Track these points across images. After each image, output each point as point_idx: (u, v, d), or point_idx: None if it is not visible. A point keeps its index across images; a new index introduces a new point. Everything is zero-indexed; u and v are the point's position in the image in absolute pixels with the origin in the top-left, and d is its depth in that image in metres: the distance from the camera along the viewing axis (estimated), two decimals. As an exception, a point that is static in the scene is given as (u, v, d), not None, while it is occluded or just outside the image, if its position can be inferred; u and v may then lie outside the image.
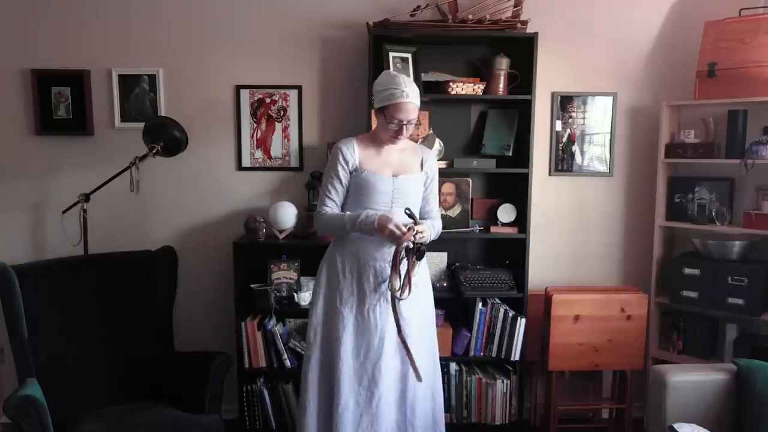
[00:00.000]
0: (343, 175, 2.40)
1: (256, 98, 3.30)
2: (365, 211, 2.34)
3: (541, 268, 3.40)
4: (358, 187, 2.40)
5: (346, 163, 2.39)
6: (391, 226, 2.25)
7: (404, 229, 2.25)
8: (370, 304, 2.38)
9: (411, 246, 2.30)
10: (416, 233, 2.27)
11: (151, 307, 3.02)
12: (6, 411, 2.27)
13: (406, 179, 2.42)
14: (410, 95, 2.31)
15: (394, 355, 2.39)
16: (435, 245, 3.29)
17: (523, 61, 3.11)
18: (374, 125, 2.56)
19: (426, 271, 2.57)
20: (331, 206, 2.42)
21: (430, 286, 2.60)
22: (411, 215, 2.32)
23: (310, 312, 2.49)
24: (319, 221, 2.45)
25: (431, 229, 2.43)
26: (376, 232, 2.29)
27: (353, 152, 2.40)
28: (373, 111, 2.42)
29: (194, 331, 3.33)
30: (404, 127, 2.34)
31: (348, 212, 2.38)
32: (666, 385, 2.35)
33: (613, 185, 3.42)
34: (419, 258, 2.33)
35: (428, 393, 2.49)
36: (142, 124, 3.08)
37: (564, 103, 3.34)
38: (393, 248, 2.33)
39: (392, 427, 2.40)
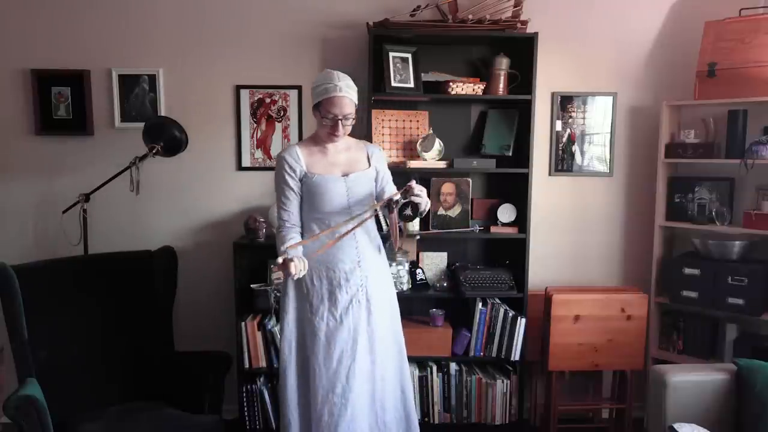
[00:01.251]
0: (293, 183, 2.37)
1: (256, 98, 3.30)
2: (283, 245, 2.32)
3: (541, 268, 3.40)
4: (311, 193, 2.38)
5: (293, 171, 2.37)
6: (279, 261, 2.21)
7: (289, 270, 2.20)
8: (343, 307, 2.37)
9: (402, 200, 2.28)
10: (410, 191, 2.24)
11: (151, 307, 3.02)
12: (6, 411, 2.26)
13: (356, 177, 2.40)
14: (343, 89, 2.29)
15: (366, 357, 2.38)
16: (435, 245, 3.32)
17: (523, 61, 3.11)
18: (316, 125, 2.48)
19: (386, 264, 2.55)
20: (288, 218, 2.39)
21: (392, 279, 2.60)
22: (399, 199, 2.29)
23: (282, 326, 2.46)
24: (276, 237, 2.43)
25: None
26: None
27: (297, 158, 2.38)
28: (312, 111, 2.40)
29: (194, 331, 3.33)
30: (339, 122, 2.31)
31: (286, 241, 2.33)
32: (666, 385, 2.35)
33: (613, 185, 3.42)
34: (410, 214, 2.32)
35: (397, 386, 2.49)
36: (142, 124, 3.08)
37: (564, 103, 3.34)
38: (358, 250, 2.37)
39: (365, 428, 2.38)
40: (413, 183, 2.26)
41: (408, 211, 2.32)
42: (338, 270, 2.37)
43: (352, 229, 2.31)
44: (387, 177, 2.53)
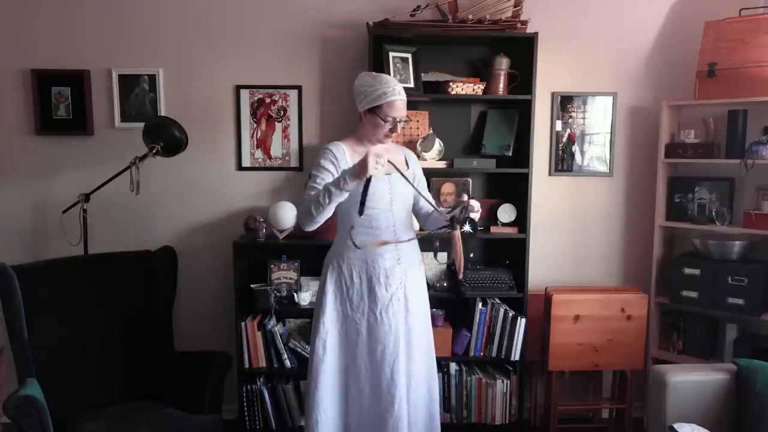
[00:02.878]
0: (333, 170, 2.33)
1: (256, 98, 3.30)
2: (343, 172, 2.18)
3: (541, 268, 3.40)
4: (354, 191, 2.36)
5: (336, 160, 2.35)
6: (371, 157, 2.06)
7: (379, 160, 2.06)
8: (383, 305, 2.36)
9: (461, 217, 2.18)
10: (468, 206, 2.18)
11: (151, 307, 3.02)
12: (6, 411, 2.26)
13: (398, 176, 2.39)
14: (401, 92, 2.32)
15: (404, 355, 2.38)
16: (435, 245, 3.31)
17: (523, 61, 3.11)
18: (360, 126, 2.45)
19: (422, 263, 2.55)
20: None
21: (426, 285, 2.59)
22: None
23: (316, 325, 2.41)
24: (300, 208, 2.30)
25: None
26: (359, 173, 2.11)
27: (343, 153, 2.37)
28: (362, 113, 2.37)
29: (194, 331, 3.33)
30: (398, 124, 2.34)
31: (322, 188, 2.21)
32: (666, 385, 2.35)
33: (613, 185, 3.42)
34: (470, 231, 2.20)
35: (426, 389, 2.49)
36: (142, 124, 3.08)
37: (564, 103, 3.34)
38: (398, 247, 2.36)
39: (405, 425, 2.38)
40: (470, 199, 2.22)
41: (467, 228, 2.21)
42: (378, 267, 2.36)
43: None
44: (423, 183, 2.57)
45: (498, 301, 3.20)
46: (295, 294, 3.19)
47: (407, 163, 2.51)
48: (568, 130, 3.36)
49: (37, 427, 2.30)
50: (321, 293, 2.43)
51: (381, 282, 2.36)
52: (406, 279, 2.40)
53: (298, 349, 3.13)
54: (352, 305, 2.38)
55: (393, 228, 2.38)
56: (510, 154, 3.21)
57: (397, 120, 2.33)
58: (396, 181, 2.39)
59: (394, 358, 2.34)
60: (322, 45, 3.28)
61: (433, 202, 2.46)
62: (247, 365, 3.14)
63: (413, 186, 2.39)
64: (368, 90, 2.32)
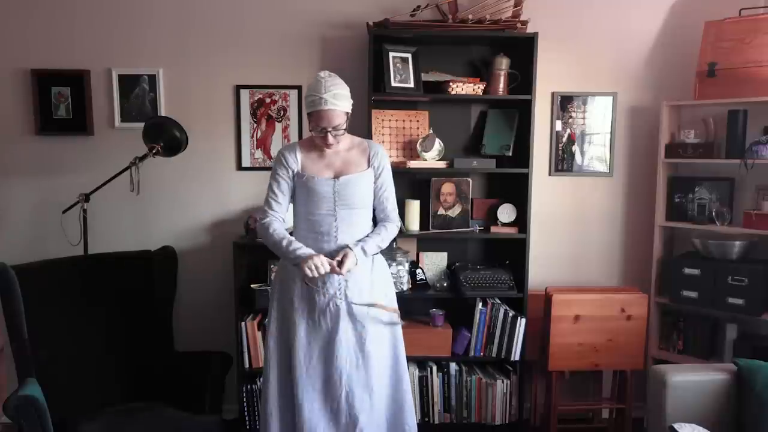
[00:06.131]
0: (285, 179, 2.39)
1: (256, 98, 3.30)
2: (299, 249, 2.30)
3: (541, 268, 3.40)
4: (302, 192, 2.39)
5: (287, 168, 2.39)
6: (306, 270, 2.24)
7: (322, 271, 2.25)
8: (320, 309, 2.36)
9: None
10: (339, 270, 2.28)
11: (151, 306, 3.02)
12: (6, 411, 2.26)
13: (347, 180, 2.37)
14: (329, 102, 2.24)
15: (346, 360, 2.35)
16: (435, 245, 3.32)
17: (523, 61, 3.11)
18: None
19: (379, 267, 2.51)
20: (277, 209, 2.41)
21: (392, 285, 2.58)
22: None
23: (268, 320, 2.48)
24: (260, 229, 2.41)
25: (373, 245, 2.38)
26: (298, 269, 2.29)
27: (295, 157, 2.39)
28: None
29: (194, 331, 3.33)
30: (329, 134, 2.30)
31: (286, 239, 2.33)
32: (666, 385, 2.36)
33: (613, 185, 3.42)
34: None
35: (389, 394, 2.46)
36: (142, 124, 3.08)
37: (564, 103, 3.34)
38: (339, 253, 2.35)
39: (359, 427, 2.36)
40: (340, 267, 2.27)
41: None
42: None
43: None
44: (384, 184, 2.46)
45: (498, 301, 3.20)
46: (295, 294, 3.19)
47: (369, 162, 2.43)
48: (568, 130, 3.36)
49: (37, 427, 2.30)
50: (271, 292, 2.48)
51: (318, 287, 2.35)
52: (346, 285, 2.36)
53: (298, 349, 3.13)
54: (293, 305, 2.39)
55: (335, 233, 2.36)
56: (510, 154, 3.21)
57: (327, 129, 2.29)
58: (343, 184, 2.36)
59: (329, 363, 2.34)
60: (322, 45, 3.28)
61: (389, 210, 2.46)
62: (247, 365, 3.14)
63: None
64: (306, 94, 2.33)
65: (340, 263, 2.28)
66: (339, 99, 2.28)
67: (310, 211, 2.38)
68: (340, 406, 2.36)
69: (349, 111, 2.35)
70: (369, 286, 2.43)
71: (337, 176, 2.38)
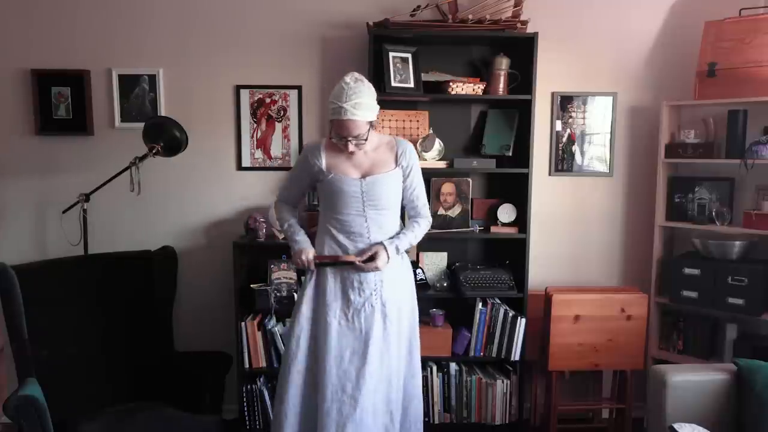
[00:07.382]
0: (304, 174, 2.46)
1: (256, 98, 3.30)
2: (297, 234, 2.46)
3: (541, 268, 3.40)
4: (328, 191, 2.38)
5: (310, 165, 2.40)
6: (298, 261, 2.40)
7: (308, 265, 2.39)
8: (355, 309, 2.36)
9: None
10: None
11: (151, 307, 3.02)
12: (6, 411, 2.26)
13: (374, 180, 2.36)
14: (349, 112, 2.21)
15: (379, 360, 2.36)
16: (435, 245, 3.32)
17: (523, 61, 3.11)
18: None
19: (407, 267, 2.52)
20: (287, 196, 2.54)
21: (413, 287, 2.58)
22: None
23: (292, 320, 2.46)
24: (275, 207, 2.60)
25: (406, 242, 2.43)
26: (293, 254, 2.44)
27: (319, 155, 2.39)
28: None
29: (194, 331, 3.33)
30: (349, 142, 2.29)
31: (287, 222, 2.50)
32: (666, 385, 2.35)
33: (613, 185, 3.42)
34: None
35: (405, 393, 2.49)
36: (142, 124, 3.08)
37: (564, 103, 3.34)
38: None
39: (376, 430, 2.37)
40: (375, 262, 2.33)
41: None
42: (352, 271, 2.37)
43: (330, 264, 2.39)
44: (414, 183, 2.46)
45: (498, 301, 3.20)
46: (295, 294, 3.18)
47: (397, 160, 2.41)
48: (568, 130, 3.36)
49: (37, 427, 2.30)
50: (302, 289, 2.47)
51: (355, 287, 2.36)
52: (382, 285, 2.38)
53: (298, 349, 3.13)
54: (326, 306, 2.38)
55: (368, 233, 2.37)
56: (510, 154, 3.21)
57: (347, 138, 2.28)
58: (371, 183, 2.36)
59: (362, 364, 2.33)
60: (322, 45, 3.28)
61: (420, 207, 2.50)
62: (247, 365, 3.14)
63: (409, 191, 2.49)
64: (330, 99, 2.31)
65: (369, 260, 2.30)
66: (360, 108, 2.23)
67: (338, 210, 2.38)
68: (378, 405, 2.35)
69: (374, 119, 2.32)
70: (402, 285, 2.46)
71: (364, 176, 2.37)
